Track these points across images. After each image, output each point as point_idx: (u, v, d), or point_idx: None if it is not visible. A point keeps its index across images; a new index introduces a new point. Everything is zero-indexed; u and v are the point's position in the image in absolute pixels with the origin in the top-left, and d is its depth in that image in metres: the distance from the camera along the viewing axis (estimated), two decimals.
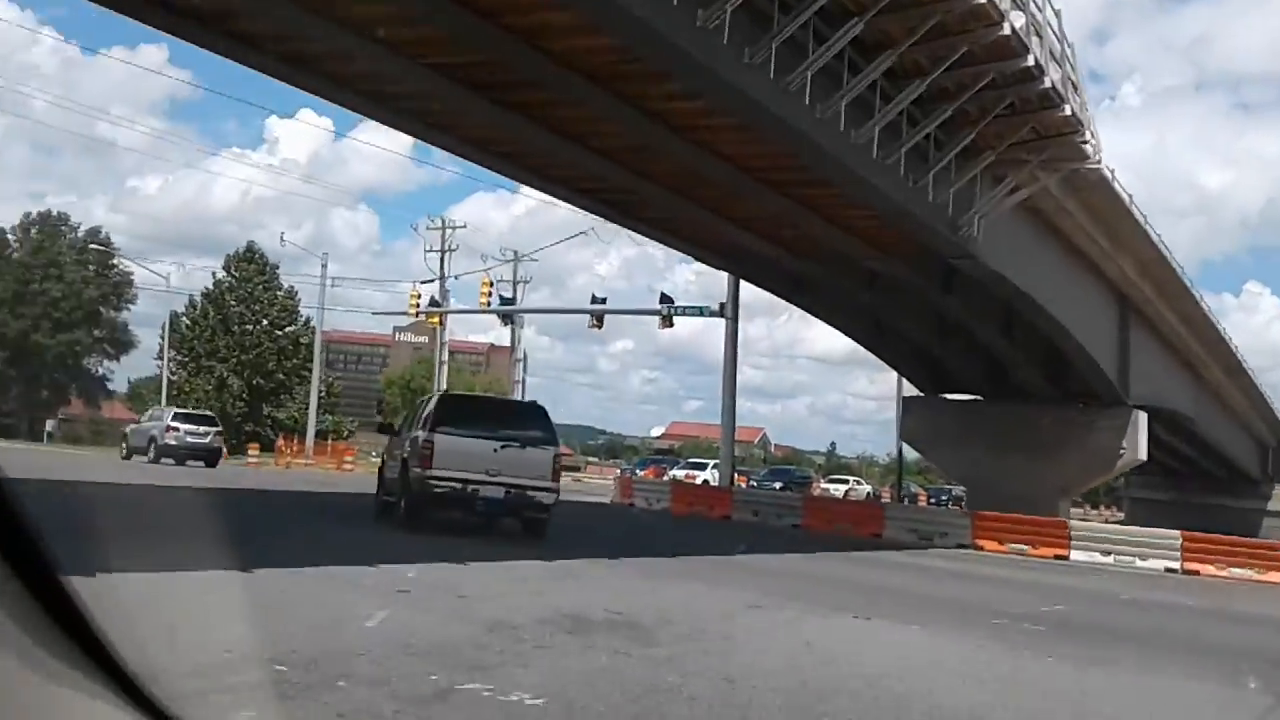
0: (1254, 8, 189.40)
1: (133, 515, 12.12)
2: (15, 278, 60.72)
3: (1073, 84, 18.31)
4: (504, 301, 40.32)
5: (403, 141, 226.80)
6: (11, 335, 59.95)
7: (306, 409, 47.27)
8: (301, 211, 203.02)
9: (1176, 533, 20.34)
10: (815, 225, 20.76)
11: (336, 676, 4.67)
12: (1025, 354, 26.21)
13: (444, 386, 40.99)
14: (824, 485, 54.48)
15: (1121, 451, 28.46)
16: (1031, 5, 16.49)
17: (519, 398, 42.33)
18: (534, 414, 15.12)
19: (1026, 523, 21.97)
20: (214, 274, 57.00)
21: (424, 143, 21.21)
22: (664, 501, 27.48)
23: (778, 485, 44.26)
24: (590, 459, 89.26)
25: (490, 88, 15.58)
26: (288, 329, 56.57)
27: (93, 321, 64.01)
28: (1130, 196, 23.40)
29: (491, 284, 39.38)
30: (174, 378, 52.88)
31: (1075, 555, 20.30)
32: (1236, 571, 18.86)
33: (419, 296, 40.58)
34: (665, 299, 32.90)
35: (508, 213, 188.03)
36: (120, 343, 67.01)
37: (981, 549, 21.09)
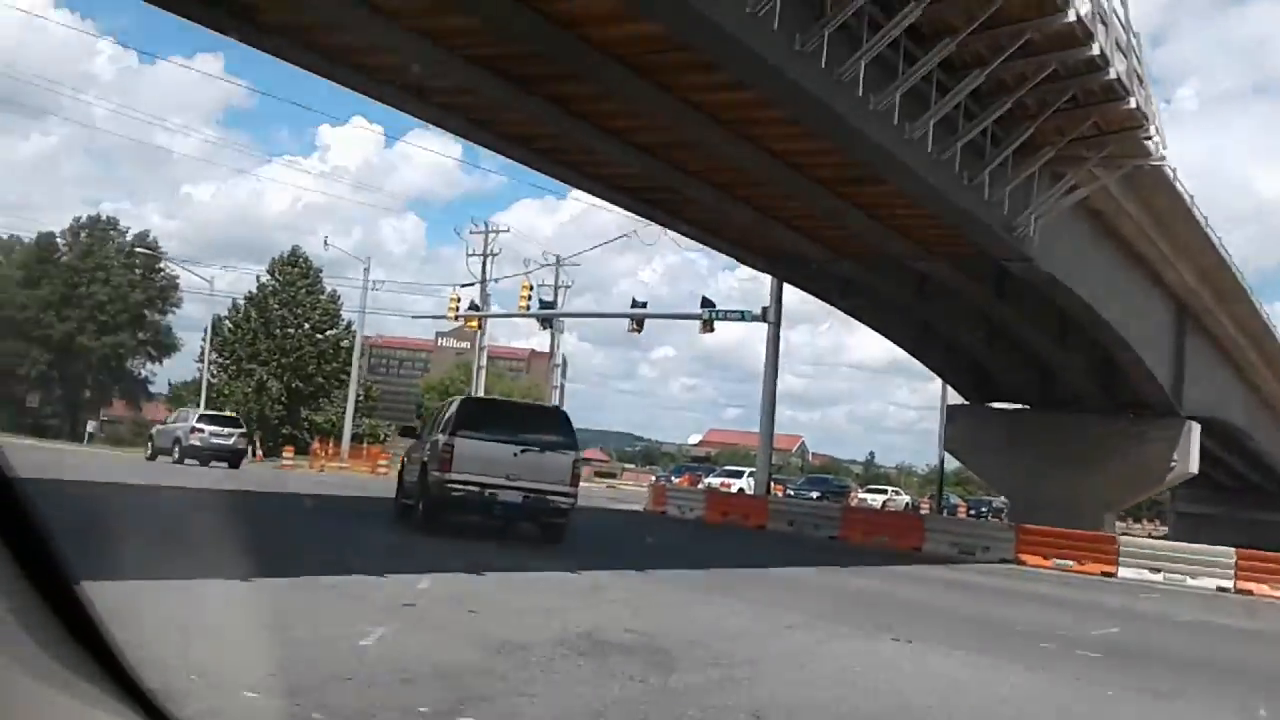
0: None
1: (135, 518, 11.82)
2: (63, 281, 61.52)
3: (1138, 76, 17.43)
4: (544, 306, 39.98)
5: (451, 149, 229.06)
6: (57, 337, 60.72)
7: (344, 413, 47.29)
8: (350, 218, 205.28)
9: (1230, 550, 19.48)
10: (864, 225, 20.12)
11: (314, 707, 4.19)
12: (1077, 362, 25.38)
13: (481, 391, 40.73)
14: (862, 495, 53.55)
15: (1172, 464, 27.53)
16: None
17: (556, 403, 42.14)
18: (555, 418, 15.17)
19: (1073, 537, 21.21)
20: (258, 277, 57.42)
21: (465, 140, 20.95)
22: (698, 510, 26.95)
23: (815, 494, 43.49)
24: (627, 465, 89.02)
25: (530, 81, 15.18)
26: (329, 332, 56.78)
27: (137, 324, 64.64)
28: (1192, 197, 22.55)
29: (531, 287, 39.06)
30: (214, 380, 53.20)
31: (1123, 572, 19.54)
32: None
33: (458, 300, 40.39)
34: (707, 303, 32.35)
35: (553, 219, 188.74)
36: (163, 345, 67.65)
37: (1025, 564, 20.38)
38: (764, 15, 12.25)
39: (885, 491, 57.20)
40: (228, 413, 35.63)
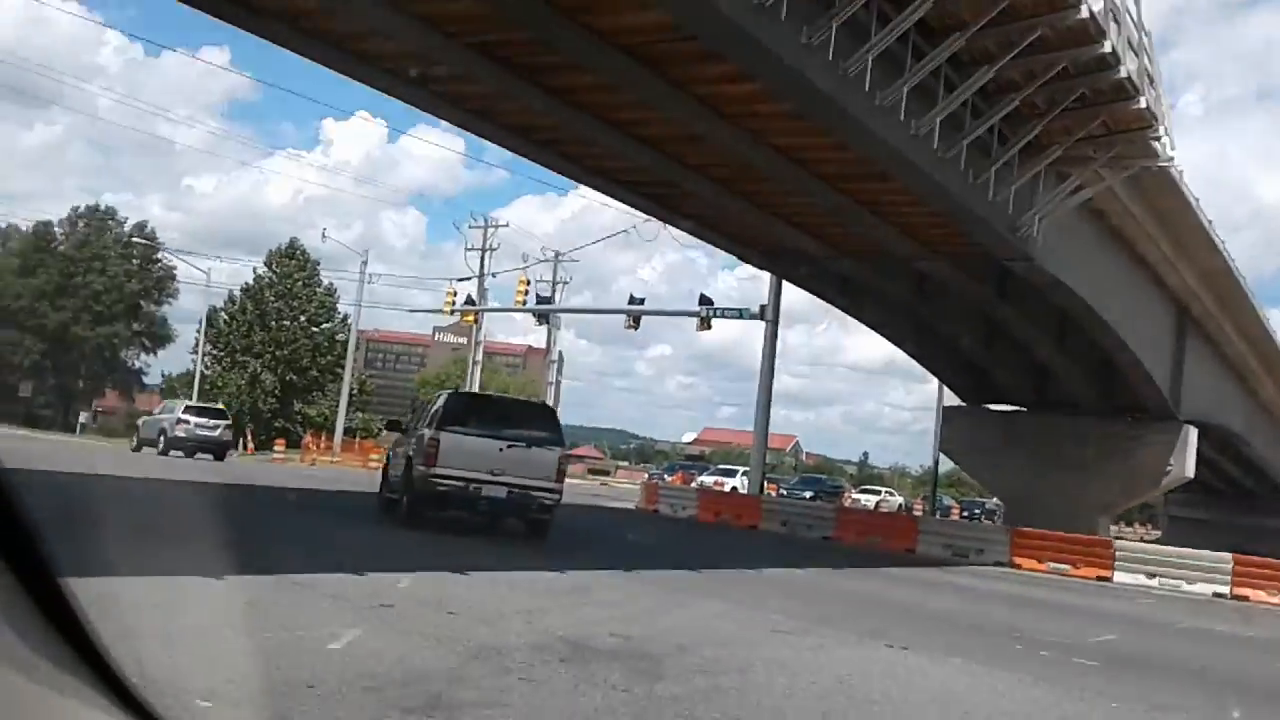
0: None
1: (111, 511, 11.55)
2: (59, 270, 61.16)
3: (1149, 76, 17.17)
4: (541, 301, 39.75)
5: (454, 144, 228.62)
6: (51, 327, 60.37)
7: (338, 407, 47.00)
8: (352, 212, 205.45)
9: (1227, 556, 19.34)
10: (867, 222, 19.86)
11: (270, 718, 3.95)
12: (1076, 364, 25.17)
13: (477, 387, 40.48)
14: (855, 495, 53.34)
15: (1168, 468, 27.34)
16: None
17: (552, 399, 41.89)
18: (541, 414, 15.13)
19: (1069, 541, 21.02)
20: (254, 269, 57.12)
21: (464, 130, 20.70)
22: (690, 509, 26.70)
23: (808, 494, 43.27)
24: (621, 463, 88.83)
25: (530, 70, 14.91)
26: (324, 326, 56.47)
27: (132, 315, 64.28)
28: (1197, 200, 22.33)
29: (529, 282, 38.85)
30: (208, 372, 52.88)
31: (1119, 577, 19.35)
32: None
33: (455, 294, 40.17)
34: (705, 301, 32.12)
35: (554, 215, 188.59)
36: (158, 336, 67.31)
37: (1020, 568, 20.18)
38: (772, 5, 12.03)
39: (879, 492, 57.06)
40: (214, 405, 35.41)
